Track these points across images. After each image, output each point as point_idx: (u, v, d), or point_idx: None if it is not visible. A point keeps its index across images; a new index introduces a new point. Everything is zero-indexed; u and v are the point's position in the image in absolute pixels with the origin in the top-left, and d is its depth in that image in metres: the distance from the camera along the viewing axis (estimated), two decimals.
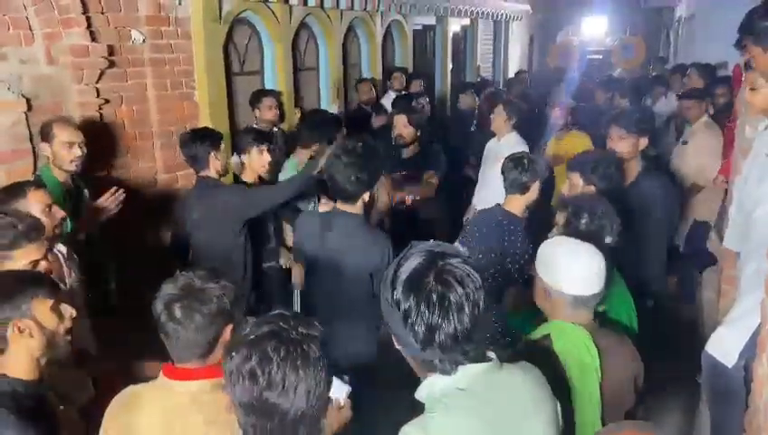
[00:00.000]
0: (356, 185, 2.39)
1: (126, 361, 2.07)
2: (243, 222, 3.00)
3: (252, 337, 1.13)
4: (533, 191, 2.73)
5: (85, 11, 3.26)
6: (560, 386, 1.56)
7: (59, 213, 2.35)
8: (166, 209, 3.73)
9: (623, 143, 3.01)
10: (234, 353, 1.12)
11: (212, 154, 3.03)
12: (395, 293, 1.24)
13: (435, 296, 1.20)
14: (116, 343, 2.52)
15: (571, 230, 2.09)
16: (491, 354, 1.34)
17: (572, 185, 2.72)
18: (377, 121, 5.33)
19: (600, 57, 12.47)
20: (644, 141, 3.04)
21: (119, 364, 2.12)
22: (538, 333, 1.78)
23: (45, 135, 2.85)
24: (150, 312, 1.48)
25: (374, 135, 5.13)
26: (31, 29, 3.14)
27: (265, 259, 3.40)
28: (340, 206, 2.48)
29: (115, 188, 2.82)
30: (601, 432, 1.37)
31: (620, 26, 13.54)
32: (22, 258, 1.89)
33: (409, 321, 1.21)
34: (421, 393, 1.32)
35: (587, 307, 1.73)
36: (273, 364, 1.07)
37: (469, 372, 1.28)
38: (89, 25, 3.29)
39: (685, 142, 4.62)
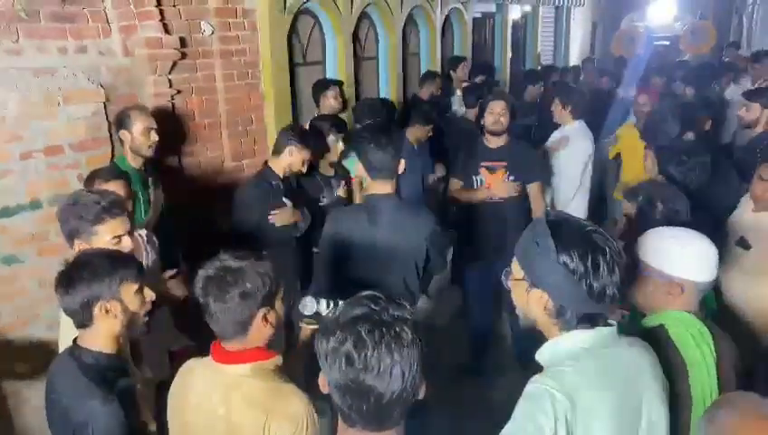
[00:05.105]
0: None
1: (199, 339, 2.15)
2: None
3: (344, 320, 1.11)
4: None
5: (158, 3, 3.37)
6: (678, 375, 1.55)
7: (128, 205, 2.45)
8: (232, 196, 3.83)
9: None
10: (328, 337, 1.10)
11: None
12: (558, 246, 1.29)
13: (608, 251, 1.28)
14: (188, 323, 2.62)
15: (648, 219, 2.04)
16: (612, 320, 1.38)
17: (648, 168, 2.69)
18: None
19: (668, 43, 11.93)
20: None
21: (193, 342, 2.21)
22: (649, 323, 1.70)
23: (124, 123, 2.98)
24: None
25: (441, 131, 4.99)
26: (108, 22, 3.27)
27: None
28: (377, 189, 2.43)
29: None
30: (716, 407, 1.23)
31: (690, 10, 12.90)
32: (106, 233, 1.99)
33: (578, 274, 1.27)
34: (544, 355, 1.37)
35: (699, 296, 1.67)
36: (369, 347, 1.06)
37: (597, 334, 1.33)
38: (162, 18, 3.39)
39: None
